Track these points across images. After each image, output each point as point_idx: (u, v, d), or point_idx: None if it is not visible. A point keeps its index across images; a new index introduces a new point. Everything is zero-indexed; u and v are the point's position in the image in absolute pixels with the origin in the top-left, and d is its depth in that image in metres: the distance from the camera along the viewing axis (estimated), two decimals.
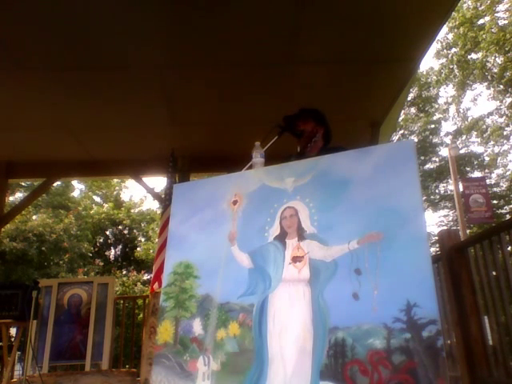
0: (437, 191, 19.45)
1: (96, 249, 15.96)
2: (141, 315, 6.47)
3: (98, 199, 17.74)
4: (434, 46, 16.68)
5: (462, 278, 2.96)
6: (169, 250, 1.85)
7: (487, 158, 18.40)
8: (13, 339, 5.26)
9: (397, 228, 1.39)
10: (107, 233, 16.60)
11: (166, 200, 4.30)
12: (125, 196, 22.66)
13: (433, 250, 13.20)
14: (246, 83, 3.58)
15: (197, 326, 1.62)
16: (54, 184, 10.96)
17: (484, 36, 14.24)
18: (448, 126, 35.52)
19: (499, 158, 18.05)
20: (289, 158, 2.08)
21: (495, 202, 16.83)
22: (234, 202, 1.77)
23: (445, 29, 15.18)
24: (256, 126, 2.93)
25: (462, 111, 18.83)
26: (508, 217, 16.08)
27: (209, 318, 1.60)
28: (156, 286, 3.75)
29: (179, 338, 1.64)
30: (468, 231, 13.08)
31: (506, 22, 14.19)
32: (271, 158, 1.96)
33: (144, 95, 3.67)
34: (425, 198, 18.33)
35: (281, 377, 1.40)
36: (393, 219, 1.41)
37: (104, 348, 4.21)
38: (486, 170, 18.51)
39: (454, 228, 14.97)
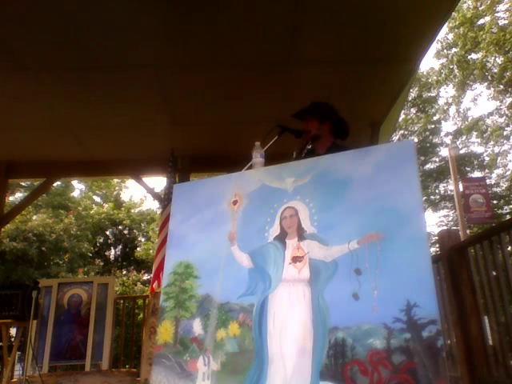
0: (437, 191, 19.44)
1: (96, 249, 15.96)
2: (141, 315, 6.46)
3: (98, 199, 17.72)
4: (434, 46, 16.69)
5: (462, 278, 2.96)
6: (169, 249, 1.85)
7: (487, 158, 18.39)
8: (13, 339, 5.26)
9: (397, 228, 1.39)
10: (107, 233, 16.60)
11: (165, 200, 4.30)
12: (125, 196, 22.63)
13: (433, 250, 13.19)
14: (245, 83, 3.58)
15: (197, 326, 1.62)
16: (54, 184, 10.96)
17: (484, 36, 14.23)
18: (448, 126, 35.55)
19: (499, 158, 18.05)
20: (299, 155, 2.08)
21: (495, 202, 16.83)
22: (234, 202, 1.77)
23: (445, 29, 15.19)
24: (256, 126, 2.93)
25: (462, 111, 18.83)
26: (508, 217, 16.06)
27: (209, 318, 1.60)
28: (156, 285, 3.75)
29: (179, 337, 1.64)
30: (468, 231, 13.08)
31: (506, 21, 14.19)
32: (271, 158, 1.96)
33: (144, 95, 3.67)
34: (425, 198, 18.32)
35: (281, 377, 1.40)
36: (393, 219, 1.41)
37: (104, 348, 4.21)
38: (486, 170, 18.50)
39: (454, 228, 14.95)
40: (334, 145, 2.32)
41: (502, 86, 15.90)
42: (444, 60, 17.23)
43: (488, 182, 15.78)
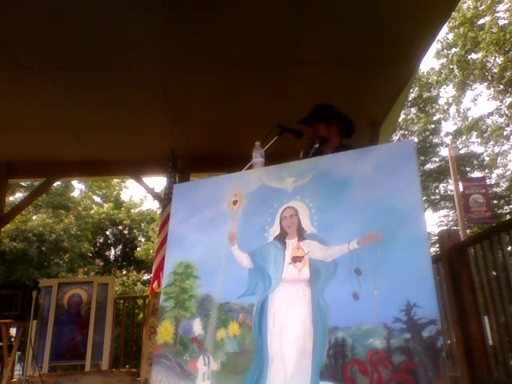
0: (437, 191, 19.45)
1: (96, 249, 15.96)
2: (141, 315, 6.46)
3: (98, 199, 17.74)
4: (434, 46, 16.70)
5: (462, 278, 2.96)
6: (169, 249, 1.85)
7: (487, 158, 18.40)
8: (13, 339, 5.26)
9: (397, 228, 1.39)
10: (107, 233, 16.60)
11: (165, 200, 4.30)
12: (125, 196, 22.67)
13: (433, 250, 13.19)
14: (245, 83, 3.58)
15: (197, 326, 1.62)
16: (54, 184, 10.96)
17: (484, 36, 14.23)
18: (448, 126, 35.58)
19: (499, 158, 18.05)
20: (306, 155, 2.09)
21: (495, 202, 16.83)
22: (234, 202, 1.77)
23: (445, 29, 15.19)
24: (256, 125, 2.92)
25: (462, 111, 18.84)
26: (508, 217, 16.07)
27: (209, 318, 1.60)
28: (156, 285, 3.75)
29: (179, 338, 1.64)
30: (468, 231, 13.07)
31: (506, 21, 14.20)
32: (271, 158, 1.96)
33: (144, 95, 3.67)
34: (425, 198, 18.32)
35: (281, 377, 1.40)
36: (393, 219, 1.41)
37: (104, 348, 4.20)
38: (486, 170, 18.51)
39: (454, 228, 14.95)
40: (341, 144, 2.33)
41: (502, 86, 15.90)
42: (444, 60, 17.25)
43: (488, 182, 15.79)
